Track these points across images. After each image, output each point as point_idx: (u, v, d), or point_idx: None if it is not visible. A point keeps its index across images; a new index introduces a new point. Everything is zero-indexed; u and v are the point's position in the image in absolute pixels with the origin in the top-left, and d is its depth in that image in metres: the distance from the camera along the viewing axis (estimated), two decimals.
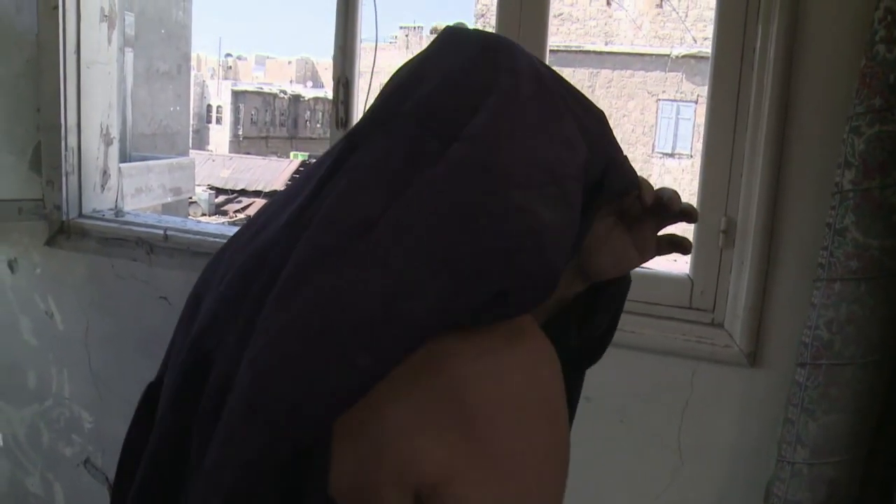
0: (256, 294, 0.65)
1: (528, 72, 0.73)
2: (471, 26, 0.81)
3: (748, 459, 1.62)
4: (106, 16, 2.23)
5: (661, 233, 0.86)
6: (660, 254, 0.87)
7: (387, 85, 0.77)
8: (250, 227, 0.77)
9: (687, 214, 0.83)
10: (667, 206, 0.81)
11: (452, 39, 0.77)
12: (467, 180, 0.64)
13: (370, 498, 0.61)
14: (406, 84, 0.74)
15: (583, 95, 0.79)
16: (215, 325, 0.69)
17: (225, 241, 2.17)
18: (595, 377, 1.68)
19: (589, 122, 0.76)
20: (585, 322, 0.89)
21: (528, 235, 0.63)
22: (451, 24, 0.82)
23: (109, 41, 2.27)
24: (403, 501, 0.61)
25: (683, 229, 0.93)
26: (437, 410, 0.60)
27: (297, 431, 0.58)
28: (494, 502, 0.60)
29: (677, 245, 0.88)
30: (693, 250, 1.67)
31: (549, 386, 0.65)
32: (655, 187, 0.82)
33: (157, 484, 0.69)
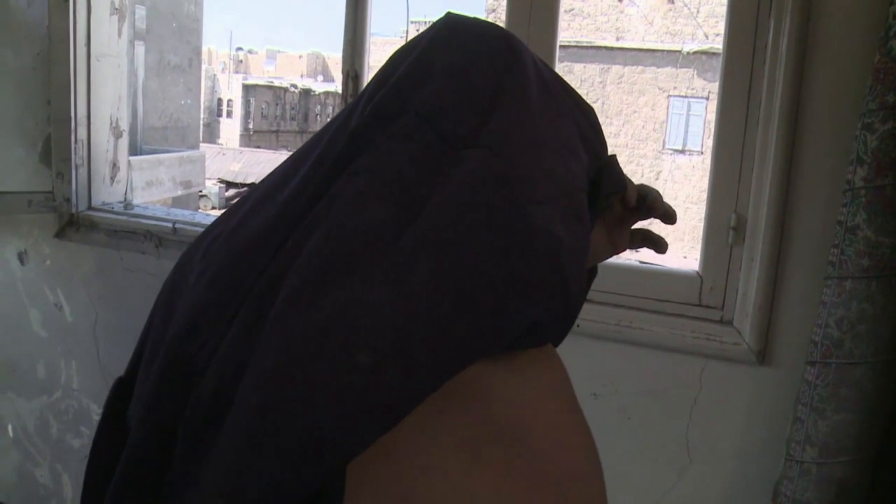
0: (254, 296, 0.60)
1: (532, 71, 0.70)
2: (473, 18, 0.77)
3: (756, 458, 1.61)
4: (116, 8, 2.24)
5: (637, 226, 0.87)
6: (632, 248, 0.87)
7: (383, 75, 0.72)
8: (233, 215, 0.71)
9: (668, 216, 0.83)
10: (650, 207, 0.81)
11: (453, 30, 0.73)
12: (489, 194, 0.61)
13: None
14: (410, 78, 0.70)
15: (574, 91, 0.77)
16: (199, 326, 0.62)
17: None
18: (603, 374, 1.69)
19: (584, 122, 0.74)
20: None
21: (551, 261, 0.61)
22: (449, 11, 0.79)
23: (120, 34, 2.27)
24: None
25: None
26: (473, 440, 0.56)
27: (313, 469, 0.52)
28: None
29: (653, 242, 0.87)
30: (702, 247, 1.67)
31: (576, 401, 0.65)
32: (657, 185, 0.81)
33: (134, 487, 0.64)
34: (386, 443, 0.53)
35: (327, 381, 0.52)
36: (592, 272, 0.87)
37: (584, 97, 0.80)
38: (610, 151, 0.79)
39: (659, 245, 0.87)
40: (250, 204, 0.70)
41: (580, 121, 0.74)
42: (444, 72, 0.69)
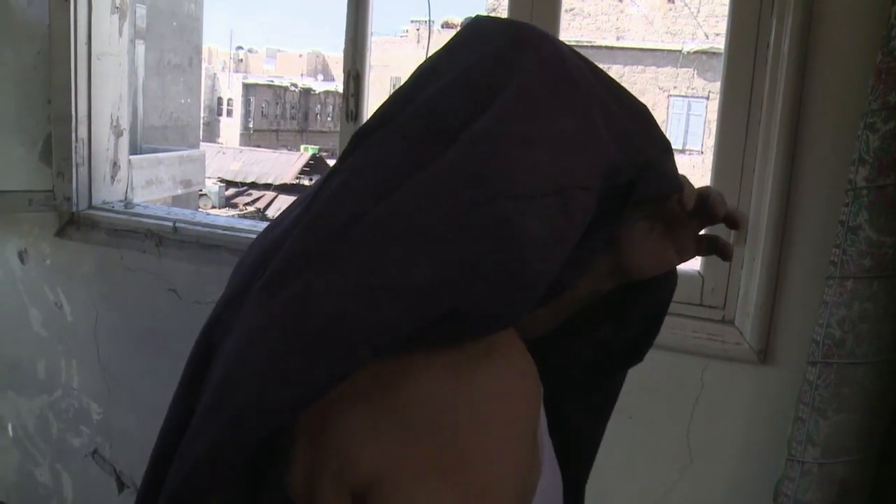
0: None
1: (550, 67, 0.68)
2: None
3: (758, 458, 1.61)
4: (117, 7, 2.23)
5: (703, 232, 0.83)
6: (700, 255, 0.84)
7: (405, 81, 0.74)
8: (275, 221, 0.78)
9: (731, 220, 0.79)
10: (710, 210, 0.77)
11: (474, 32, 0.73)
12: (451, 187, 0.61)
13: (314, 498, 0.62)
14: (420, 80, 0.71)
15: (623, 90, 0.75)
16: (222, 318, 0.70)
17: (233, 233, 2.16)
18: None
19: (624, 120, 0.71)
20: (624, 320, 0.86)
21: (504, 251, 0.60)
22: (478, 14, 0.78)
23: (120, 33, 2.27)
24: (341, 501, 0.61)
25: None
26: (383, 418, 0.60)
27: (255, 427, 0.58)
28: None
29: (719, 249, 0.84)
30: None
31: (512, 407, 0.63)
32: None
33: (166, 460, 0.70)
34: (325, 415, 0.61)
35: (270, 360, 0.59)
36: (668, 281, 0.85)
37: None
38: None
39: (724, 252, 0.84)
40: (283, 213, 0.76)
41: (620, 120, 0.71)
42: (450, 72, 0.69)
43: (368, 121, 0.72)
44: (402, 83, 0.74)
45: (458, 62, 0.70)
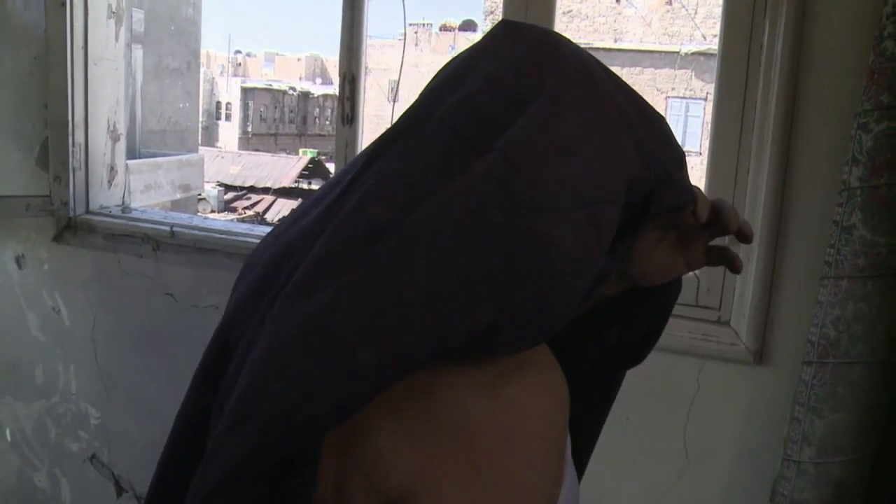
0: (277, 289, 0.64)
1: (578, 77, 0.67)
2: (524, 22, 0.74)
3: (754, 458, 1.61)
4: (113, 12, 2.24)
5: (713, 243, 0.82)
6: (709, 265, 0.84)
7: (429, 83, 0.72)
8: (287, 220, 0.76)
9: (743, 235, 0.79)
10: (723, 223, 0.77)
11: (502, 36, 0.71)
12: (488, 198, 0.60)
13: None
14: (446, 84, 0.70)
15: (641, 99, 0.74)
16: (242, 315, 0.68)
17: (230, 237, 2.15)
18: None
19: (644, 132, 0.71)
20: (628, 323, 0.86)
21: (541, 267, 0.60)
22: (504, 18, 0.76)
23: (117, 37, 2.27)
24: None
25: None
26: (415, 432, 0.60)
27: (284, 440, 0.57)
28: None
29: (728, 262, 0.83)
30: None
31: (543, 421, 0.63)
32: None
33: (177, 461, 0.71)
34: (355, 427, 0.59)
35: (303, 368, 0.57)
36: (674, 287, 0.85)
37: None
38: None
39: (734, 265, 0.83)
40: (301, 210, 0.74)
41: (640, 131, 0.70)
42: (479, 77, 0.67)
43: (394, 125, 0.70)
44: (426, 86, 0.72)
45: (485, 68, 0.68)
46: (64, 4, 2.09)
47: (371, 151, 0.69)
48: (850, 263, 1.37)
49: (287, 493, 0.60)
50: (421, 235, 0.59)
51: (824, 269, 1.41)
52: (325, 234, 0.63)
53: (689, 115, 17.38)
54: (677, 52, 17.21)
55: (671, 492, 1.69)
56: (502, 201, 0.60)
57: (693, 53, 17.03)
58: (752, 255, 1.56)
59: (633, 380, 1.69)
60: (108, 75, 2.25)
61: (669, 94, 17.49)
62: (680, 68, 17.25)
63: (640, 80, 17.26)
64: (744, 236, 0.78)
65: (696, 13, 17.46)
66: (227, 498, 0.59)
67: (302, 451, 0.58)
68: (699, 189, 0.77)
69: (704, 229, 0.79)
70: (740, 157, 1.59)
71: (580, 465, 0.91)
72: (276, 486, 0.60)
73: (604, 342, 0.87)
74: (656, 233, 0.79)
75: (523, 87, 0.65)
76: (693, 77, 17.25)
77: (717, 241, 0.83)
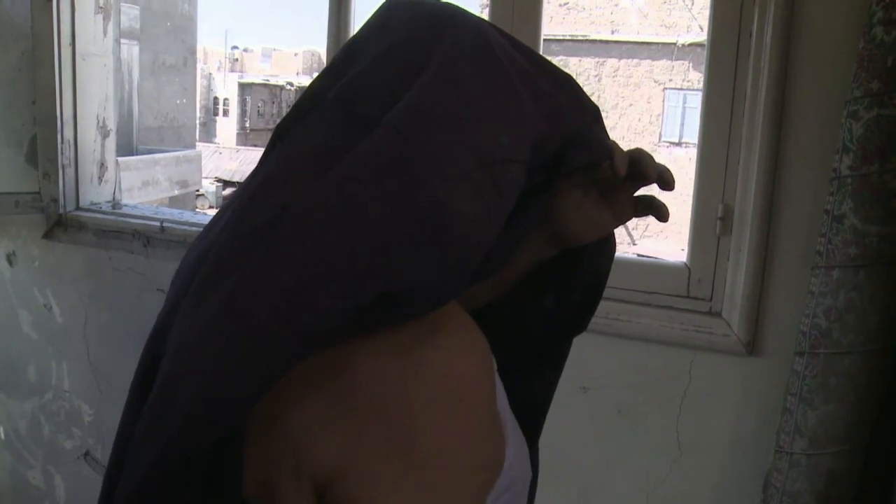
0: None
1: (471, 44, 0.68)
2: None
3: (746, 449, 1.61)
4: (101, 7, 2.22)
5: (639, 193, 0.83)
6: (637, 216, 0.84)
7: (324, 68, 0.74)
8: (206, 227, 0.76)
9: (664, 182, 0.79)
10: (642, 173, 0.77)
11: (390, 14, 0.73)
12: (376, 173, 0.61)
13: (274, 498, 0.61)
14: (336, 67, 0.71)
15: (546, 62, 0.75)
16: (165, 327, 0.68)
17: None
18: (592, 367, 1.69)
19: (551, 91, 0.72)
20: (564, 286, 0.86)
21: (434, 232, 0.60)
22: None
23: (105, 33, 2.26)
24: (304, 500, 0.60)
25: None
26: (335, 408, 0.60)
27: (203, 427, 0.57)
28: (389, 496, 0.60)
29: (655, 209, 0.83)
30: (690, 238, 1.66)
31: (462, 382, 0.63)
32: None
33: (116, 477, 0.69)
34: (276, 412, 0.60)
35: (212, 352, 0.58)
36: (607, 245, 0.85)
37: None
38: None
39: (660, 212, 0.83)
40: (219, 214, 0.74)
41: (544, 92, 0.71)
42: (368, 55, 0.69)
43: (288, 113, 0.71)
44: (322, 69, 0.74)
45: (374, 46, 0.69)
46: (50, 0, 2.07)
47: (274, 135, 0.70)
48: (841, 253, 1.36)
49: (213, 486, 0.60)
50: (312, 216, 0.60)
51: (816, 259, 1.40)
52: (223, 231, 0.65)
53: (687, 107, 17.35)
54: (674, 44, 17.17)
55: (664, 483, 1.68)
56: (394, 171, 0.61)
57: (690, 45, 16.98)
58: (743, 246, 1.56)
59: (625, 371, 1.69)
60: (97, 71, 2.24)
61: (667, 86, 17.46)
62: (677, 59, 17.22)
63: (637, 71, 17.23)
64: (665, 183, 0.79)
65: (692, 4, 17.43)
66: (149, 498, 0.59)
67: (223, 438, 0.58)
68: (616, 143, 0.77)
69: (626, 182, 0.79)
70: (731, 145, 1.58)
71: (534, 431, 0.90)
72: (204, 477, 0.60)
73: (545, 310, 0.86)
74: (578, 191, 0.79)
75: (413, 60, 0.67)
76: (690, 68, 17.21)
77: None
